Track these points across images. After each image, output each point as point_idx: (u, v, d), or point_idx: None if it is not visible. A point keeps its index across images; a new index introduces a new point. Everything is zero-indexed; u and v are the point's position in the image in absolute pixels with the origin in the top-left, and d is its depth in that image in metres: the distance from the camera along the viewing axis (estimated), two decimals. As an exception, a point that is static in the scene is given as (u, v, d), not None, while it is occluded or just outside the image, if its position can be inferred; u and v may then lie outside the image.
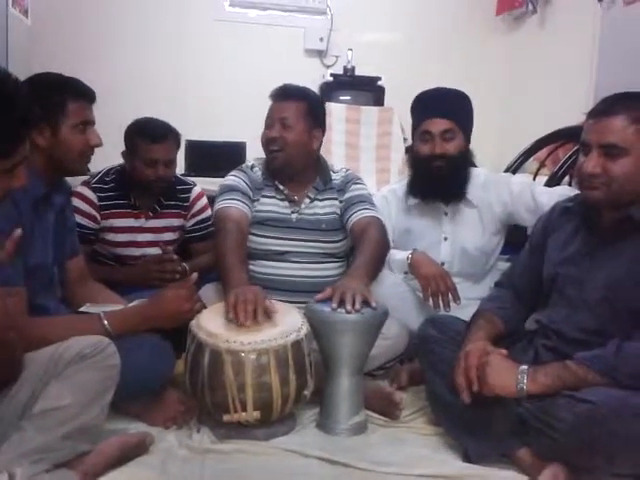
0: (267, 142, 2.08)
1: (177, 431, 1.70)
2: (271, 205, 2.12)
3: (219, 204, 2.05)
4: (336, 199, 2.15)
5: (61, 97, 1.64)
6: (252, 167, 2.17)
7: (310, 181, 2.15)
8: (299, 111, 2.07)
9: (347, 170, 2.25)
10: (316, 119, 2.12)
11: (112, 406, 1.48)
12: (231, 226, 1.95)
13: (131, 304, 1.75)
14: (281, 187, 2.12)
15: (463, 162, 2.16)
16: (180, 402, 1.76)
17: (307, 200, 2.13)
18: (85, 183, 2.27)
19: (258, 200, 2.11)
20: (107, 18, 3.54)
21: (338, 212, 2.14)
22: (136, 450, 1.54)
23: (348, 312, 1.66)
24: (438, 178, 2.12)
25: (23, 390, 1.35)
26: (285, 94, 2.10)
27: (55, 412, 1.33)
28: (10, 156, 1.17)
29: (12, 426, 1.32)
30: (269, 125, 2.08)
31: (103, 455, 1.45)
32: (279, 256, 2.09)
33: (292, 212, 2.12)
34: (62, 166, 1.67)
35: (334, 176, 2.19)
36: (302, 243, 2.09)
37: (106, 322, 1.58)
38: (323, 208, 2.14)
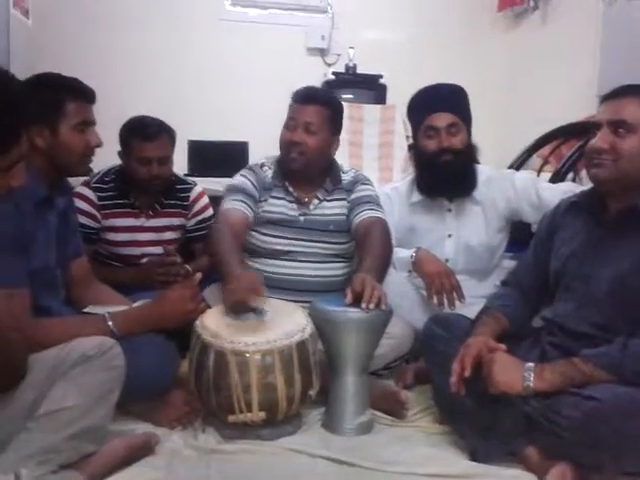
0: (288, 145, 2.06)
1: (182, 431, 1.70)
2: (280, 207, 2.10)
3: (224, 203, 2.05)
4: (344, 199, 2.14)
5: (60, 97, 1.62)
6: (262, 166, 2.15)
7: (320, 183, 2.14)
8: (324, 117, 2.05)
9: (357, 171, 2.24)
10: (338, 125, 2.13)
11: (117, 407, 1.48)
12: (226, 230, 1.94)
13: (135, 304, 1.75)
14: (290, 189, 2.11)
15: (469, 156, 2.15)
16: (185, 402, 1.75)
17: (316, 201, 2.12)
18: (85, 183, 2.26)
19: (266, 200, 2.10)
20: (108, 18, 3.55)
21: (347, 213, 2.12)
22: (142, 451, 1.54)
23: (363, 309, 1.65)
24: (446, 173, 2.11)
25: (28, 391, 1.34)
26: (312, 98, 2.07)
27: (60, 413, 1.32)
28: (6, 154, 1.16)
29: (18, 427, 1.32)
30: (292, 127, 2.05)
31: (108, 456, 1.44)
32: (285, 255, 2.08)
33: (300, 214, 2.11)
34: (63, 167, 1.66)
35: (343, 177, 2.18)
36: (309, 243, 2.08)
37: (111, 323, 1.58)
38: (332, 209, 2.13)
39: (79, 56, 3.32)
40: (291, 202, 2.11)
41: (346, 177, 2.18)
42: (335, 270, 2.12)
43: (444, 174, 2.11)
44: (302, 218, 2.10)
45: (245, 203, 2.04)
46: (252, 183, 2.09)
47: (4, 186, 1.19)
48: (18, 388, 1.33)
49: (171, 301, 1.66)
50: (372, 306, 1.65)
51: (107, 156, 2.06)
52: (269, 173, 2.13)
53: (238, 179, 2.11)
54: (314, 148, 2.04)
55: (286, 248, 2.08)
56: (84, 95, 1.68)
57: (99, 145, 1.70)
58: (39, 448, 1.30)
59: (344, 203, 2.14)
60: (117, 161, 2.32)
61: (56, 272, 1.67)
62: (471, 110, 2.19)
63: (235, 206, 2.02)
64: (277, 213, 2.10)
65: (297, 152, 2.04)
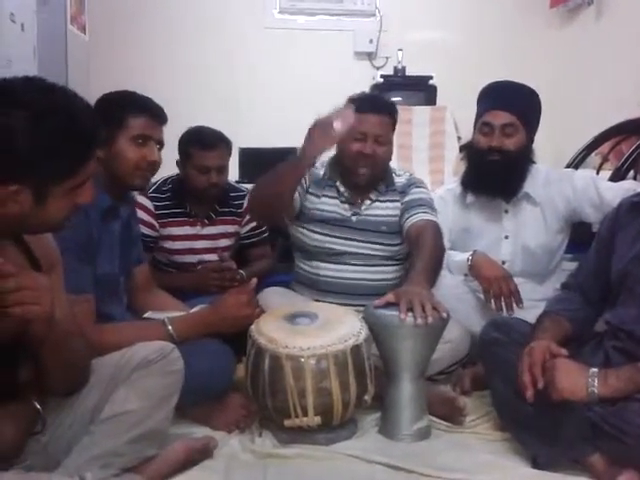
0: (358, 157, 2.02)
1: (240, 435, 1.71)
2: (332, 205, 2.10)
3: None
4: (397, 201, 2.12)
5: (122, 110, 1.65)
6: (313, 164, 2.11)
7: (373, 186, 2.12)
8: (389, 127, 2.05)
9: (411, 174, 2.22)
10: (394, 131, 2.11)
11: (176, 410, 1.49)
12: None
13: (193, 310, 1.78)
14: (342, 189, 2.11)
15: (521, 160, 2.09)
16: (242, 406, 1.76)
17: (368, 202, 2.11)
18: (142, 192, 2.31)
19: (319, 198, 2.10)
20: (161, 32, 3.63)
21: (399, 214, 2.10)
22: (201, 454, 1.56)
23: (417, 325, 1.60)
24: (491, 173, 2.07)
25: (91, 395, 1.37)
26: (378, 107, 2.03)
27: (122, 417, 1.35)
28: (77, 175, 1.17)
29: (82, 430, 1.35)
30: (361, 139, 2.00)
31: (169, 460, 1.46)
32: (337, 257, 2.07)
33: (352, 214, 2.10)
34: (117, 177, 1.66)
35: (397, 179, 2.16)
36: (361, 244, 2.07)
37: (170, 327, 1.61)
38: (384, 210, 2.11)
39: (133, 70, 3.42)
40: (343, 202, 2.11)
41: (400, 180, 2.16)
42: (386, 274, 2.11)
43: (488, 173, 2.07)
44: (354, 218, 2.09)
45: None
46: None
47: (72, 204, 1.20)
48: (81, 392, 1.36)
49: (227, 306, 1.68)
50: (430, 319, 1.60)
51: (164, 167, 2.09)
52: (321, 172, 2.13)
53: None
54: (383, 159, 2.05)
55: (339, 248, 2.07)
56: (149, 111, 1.68)
57: (155, 161, 1.69)
58: (102, 451, 1.32)
59: (397, 205, 2.11)
60: (172, 172, 2.37)
61: (120, 279, 1.71)
62: (539, 114, 2.12)
63: None
64: (329, 212, 2.09)
65: (367, 164, 2.02)
